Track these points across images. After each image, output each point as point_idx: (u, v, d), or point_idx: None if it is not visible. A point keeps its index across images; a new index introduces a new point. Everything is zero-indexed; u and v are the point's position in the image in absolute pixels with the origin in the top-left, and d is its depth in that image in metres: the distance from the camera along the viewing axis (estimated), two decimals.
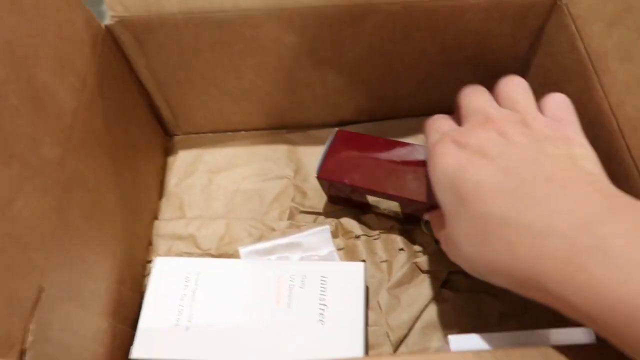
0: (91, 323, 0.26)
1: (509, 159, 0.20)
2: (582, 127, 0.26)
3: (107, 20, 0.29)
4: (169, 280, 0.29)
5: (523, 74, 0.33)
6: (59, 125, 0.24)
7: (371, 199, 0.31)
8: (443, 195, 0.22)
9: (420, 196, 0.29)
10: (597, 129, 0.25)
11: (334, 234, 0.33)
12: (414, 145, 0.31)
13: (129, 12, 0.28)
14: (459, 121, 0.25)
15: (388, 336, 0.29)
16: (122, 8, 0.28)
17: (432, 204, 0.27)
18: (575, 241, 0.16)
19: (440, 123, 0.26)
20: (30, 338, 0.19)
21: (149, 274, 0.32)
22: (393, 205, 0.31)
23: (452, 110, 0.27)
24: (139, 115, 0.34)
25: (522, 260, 0.18)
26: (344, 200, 0.34)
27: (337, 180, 0.30)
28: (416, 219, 0.32)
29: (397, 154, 0.30)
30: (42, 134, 0.22)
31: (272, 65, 0.32)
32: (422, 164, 0.29)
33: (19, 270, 0.20)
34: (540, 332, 0.23)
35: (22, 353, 0.19)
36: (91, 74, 0.27)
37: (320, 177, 0.31)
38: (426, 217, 0.30)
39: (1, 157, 0.19)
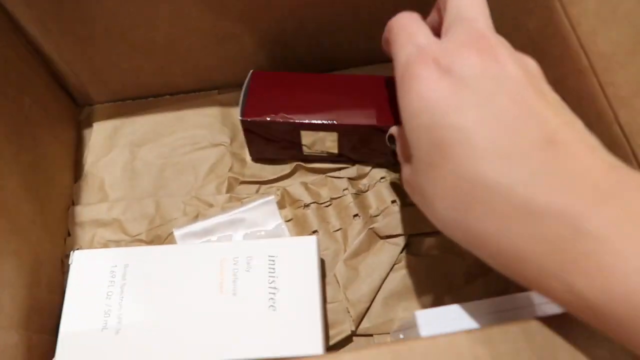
0: None
1: (505, 103, 0.16)
2: (547, 66, 0.23)
3: None
4: (90, 276, 0.25)
5: None
6: None
7: (305, 139, 0.28)
8: (415, 134, 0.18)
9: (360, 119, 0.27)
10: (564, 67, 0.22)
11: (280, 204, 0.30)
12: (339, 75, 0.29)
13: None
14: (439, 15, 0.21)
15: (348, 312, 0.27)
16: None
17: (378, 127, 0.25)
18: (579, 224, 0.14)
19: (413, 28, 0.20)
20: None
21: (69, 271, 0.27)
22: (329, 143, 0.28)
23: None
24: (35, 84, 0.29)
25: (515, 238, 0.15)
26: (271, 151, 0.30)
27: (267, 118, 0.27)
28: (350, 159, 0.30)
29: (325, 85, 0.29)
30: None
31: (189, 15, 0.28)
32: (356, 90, 0.28)
33: None
34: (513, 297, 0.21)
35: None
36: None
37: (246, 118, 0.28)
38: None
39: None
